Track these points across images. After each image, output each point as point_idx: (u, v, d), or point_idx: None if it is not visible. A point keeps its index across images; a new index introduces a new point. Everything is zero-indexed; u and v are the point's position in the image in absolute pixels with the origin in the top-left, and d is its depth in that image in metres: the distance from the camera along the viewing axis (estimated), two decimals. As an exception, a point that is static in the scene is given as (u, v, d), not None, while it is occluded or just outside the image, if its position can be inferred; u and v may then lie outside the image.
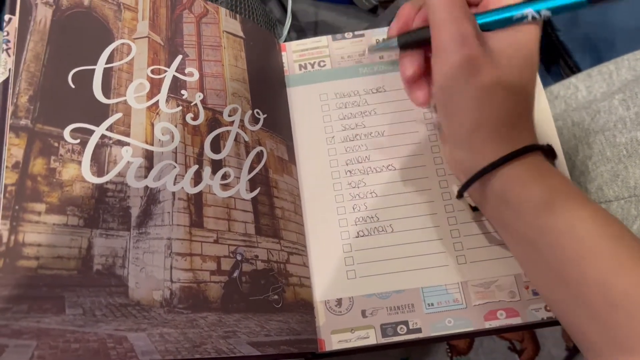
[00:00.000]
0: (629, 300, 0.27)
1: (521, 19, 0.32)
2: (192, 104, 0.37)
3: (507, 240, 0.34)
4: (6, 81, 0.32)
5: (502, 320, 0.36)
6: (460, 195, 0.35)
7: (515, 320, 0.36)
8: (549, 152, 0.33)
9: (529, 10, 0.32)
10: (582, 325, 0.29)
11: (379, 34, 0.45)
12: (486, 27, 0.33)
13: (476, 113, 0.32)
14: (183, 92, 0.37)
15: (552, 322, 0.36)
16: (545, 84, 0.47)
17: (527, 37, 0.33)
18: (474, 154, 0.33)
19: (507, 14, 0.33)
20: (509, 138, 0.32)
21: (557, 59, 0.58)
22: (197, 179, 0.35)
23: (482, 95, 0.32)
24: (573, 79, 0.47)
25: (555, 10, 0.32)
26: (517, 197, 0.31)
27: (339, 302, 0.37)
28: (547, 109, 0.41)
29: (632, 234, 0.29)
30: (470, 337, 0.44)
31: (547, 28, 0.57)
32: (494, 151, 0.32)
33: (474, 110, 0.32)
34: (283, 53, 0.44)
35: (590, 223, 0.29)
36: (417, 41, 0.36)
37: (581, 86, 0.46)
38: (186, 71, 0.38)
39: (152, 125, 0.35)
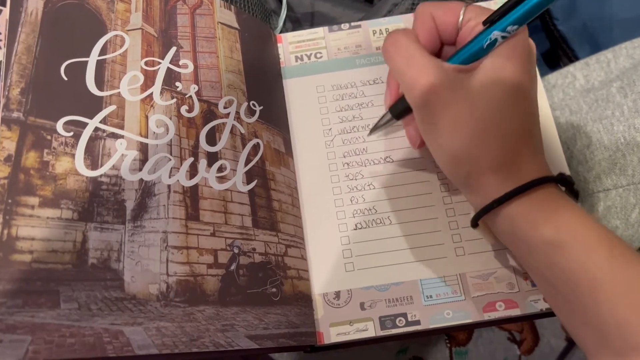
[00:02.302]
0: None
1: (494, 43, 0.31)
2: (186, 96, 0.37)
3: (524, 267, 0.33)
4: (-3, 74, 0.31)
5: (501, 312, 0.36)
6: (473, 225, 0.34)
7: (514, 312, 0.36)
8: (563, 181, 0.32)
9: (494, 34, 0.30)
10: (596, 352, 0.29)
11: (376, 24, 0.44)
12: (466, 64, 0.31)
13: (462, 154, 0.31)
14: (177, 84, 0.37)
15: (551, 313, 0.36)
16: (543, 73, 0.47)
17: (514, 60, 0.30)
18: (474, 195, 0.33)
19: (476, 46, 0.31)
20: (510, 174, 0.31)
21: (555, 48, 0.57)
22: (193, 171, 0.35)
23: (460, 133, 0.30)
24: (571, 68, 0.47)
25: (520, 21, 0.30)
26: (526, 236, 0.30)
27: (338, 294, 0.37)
28: (544, 98, 0.41)
29: None
30: (469, 328, 0.44)
31: (546, 17, 0.57)
32: (494, 190, 0.31)
33: (459, 151, 0.31)
34: (279, 44, 0.44)
35: (604, 266, 0.28)
36: (405, 107, 0.34)
37: (579, 75, 0.46)
38: (180, 63, 0.38)
39: (147, 117, 0.35)
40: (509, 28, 0.30)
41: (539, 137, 0.32)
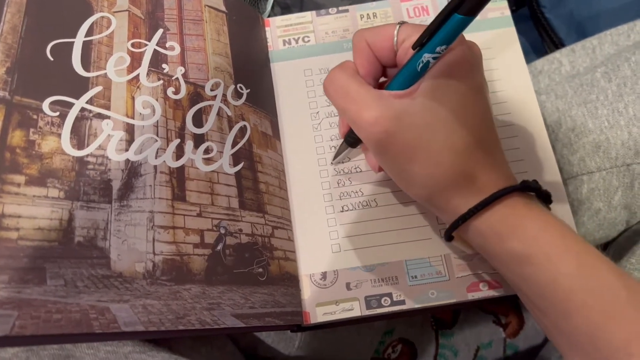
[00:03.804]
0: (624, 351, 0.26)
1: (427, 65, 0.30)
2: (173, 78, 0.37)
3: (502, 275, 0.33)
4: (-17, 53, 0.31)
5: (484, 292, 0.37)
6: (447, 240, 0.34)
7: (498, 292, 0.37)
8: (527, 188, 0.31)
9: (425, 56, 0.29)
10: (569, 353, 0.29)
11: (364, 9, 0.44)
12: (404, 88, 0.31)
13: (417, 178, 0.31)
14: (164, 66, 0.37)
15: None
16: (530, 60, 0.47)
17: (451, 75, 0.30)
18: (442, 213, 0.32)
19: (410, 71, 0.30)
20: (471, 189, 0.30)
21: (541, 35, 0.58)
22: (179, 152, 0.35)
23: (411, 160, 0.30)
24: (557, 54, 0.47)
25: (447, 41, 0.29)
26: (495, 250, 0.30)
27: (324, 275, 0.37)
28: (529, 84, 0.42)
29: (618, 281, 0.28)
30: (453, 308, 0.44)
31: (533, 5, 0.57)
32: (458, 207, 0.30)
33: (414, 176, 0.31)
34: (267, 28, 0.44)
35: (573, 277, 0.28)
36: (357, 137, 0.34)
37: (565, 61, 0.46)
38: (167, 45, 0.38)
39: (133, 98, 0.35)
40: (437, 49, 0.29)
41: (497, 146, 0.32)
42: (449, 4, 0.27)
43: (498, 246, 0.30)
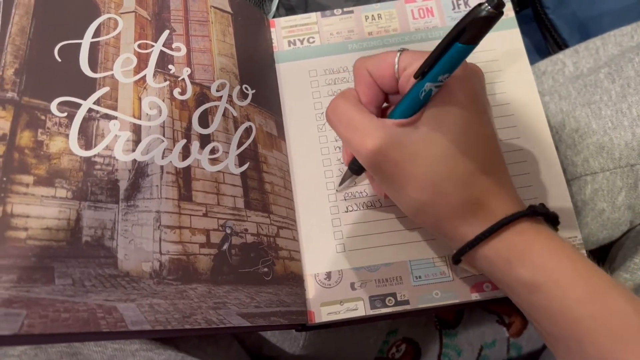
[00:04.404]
0: None
1: (429, 94, 0.30)
2: (179, 79, 0.37)
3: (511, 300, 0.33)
4: (-9, 54, 0.32)
5: (487, 292, 0.37)
6: (455, 263, 0.34)
7: (501, 292, 0.37)
8: (535, 213, 0.30)
9: (427, 85, 0.29)
10: None
11: (368, 10, 0.45)
12: (407, 116, 0.31)
13: (423, 206, 0.30)
14: (170, 67, 0.37)
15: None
16: (534, 61, 0.47)
17: (453, 103, 0.30)
18: (448, 239, 0.32)
19: (413, 99, 0.30)
20: (478, 216, 0.30)
21: (545, 36, 0.58)
22: (186, 153, 0.35)
23: (416, 189, 0.30)
24: (560, 55, 0.47)
25: (449, 70, 0.29)
26: (504, 277, 0.30)
27: (329, 275, 0.38)
28: (532, 85, 0.42)
29: (629, 306, 0.27)
30: (457, 308, 0.44)
31: (537, 6, 0.57)
32: (466, 233, 0.30)
33: (419, 204, 0.30)
34: (272, 29, 0.44)
35: (583, 304, 0.28)
36: (361, 165, 0.34)
37: (568, 62, 0.46)
38: (173, 46, 0.38)
39: (140, 99, 0.35)
40: (440, 78, 0.29)
41: (503, 170, 0.32)
42: (449, 33, 0.27)
43: (506, 273, 0.30)
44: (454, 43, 0.27)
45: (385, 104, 0.35)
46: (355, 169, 0.36)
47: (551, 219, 0.31)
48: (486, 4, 0.25)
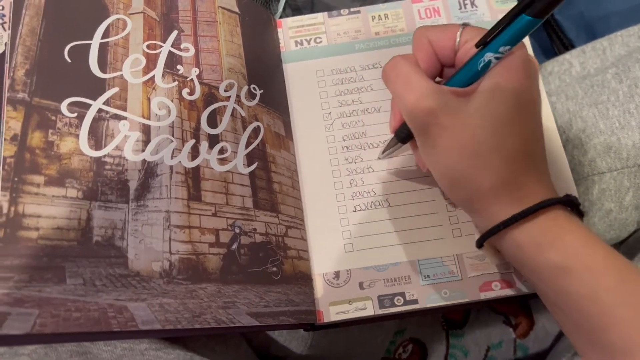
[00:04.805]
0: None
1: (488, 65, 0.30)
2: (188, 79, 0.37)
3: (533, 287, 0.33)
4: (2, 55, 0.32)
5: (496, 292, 0.37)
6: (478, 246, 0.34)
7: (510, 291, 0.37)
8: (568, 202, 0.31)
9: (487, 55, 0.30)
10: None
11: (375, 10, 0.45)
12: (463, 86, 0.31)
13: (463, 177, 0.31)
14: (179, 67, 0.37)
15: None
16: (540, 62, 0.47)
17: (510, 80, 0.30)
18: (478, 217, 0.32)
19: (471, 69, 0.31)
20: (514, 197, 0.30)
21: (551, 36, 0.58)
22: (195, 153, 0.35)
23: (460, 157, 0.30)
24: (567, 55, 0.47)
25: (512, 41, 0.29)
26: (533, 261, 0.30)
27: (337, 274, 0.38)
28: (540, 85, 0.42)
29: None
30: (464, 307, 0.44)
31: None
32: (498, 213, 0.30)
33: (460, 175, 0.31)
34: (279, 29, 0.44)
35: (614, 291, 0.27)
36: (409, 132, 0.34)
37: (575, 62, 0.46)
38: (182, 46, 0.38)
39: (149, 99, 0.35)
40: (501, 49, 0.29)
41: (543, 157, 0.32)
42: (518, 4, 0.28)
43: (536, 257, 0.30)
44: (521, 14, 0.28)
45: (438, 79, 0.35)
46: (402, 136, 0.36)
47: (580, 214, 0.32)
48: None
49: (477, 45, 0.30)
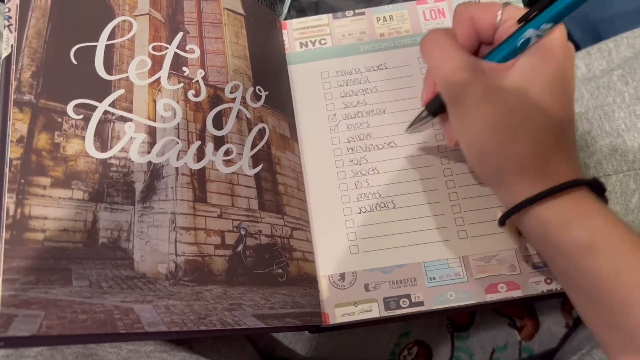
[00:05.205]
0: None
1: (528, 42, 0.30)
2: (193, 81, 0.37)
3: (551, 268, 0.33)
4: (9, 57, 0.32)
5: (502, 293, 0.37)
6: (501, 224, 0.34)
7: (516, 293, 0.37)
8: (594, 186, 0.31)
9: (528, 32, 0.30)
10: (622, 353, 0.29)
11: (380, 12, 0.45)
12: (501, 62, 0.32)
13: (492, 149, 0.31)
14: (184, 68, 0.37)
15: (552, 295, 0.37)
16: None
17: (549, 58, 0.30)
18: (504, 192, 0.32)
19: (511, 45, 0.31)
20: (542, 174, 0.30)
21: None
22: (200, 154, 0.35)
23: (492, 129, 0.31)
24: (573, 57, 0.47)
25: (556, 19, 0.30)
26: (557, 238, 0.30)
27: (342, 276, 0.38)
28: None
29: None
30: (469, 310, 0.44)
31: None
32: (525, 190, 0.31)
33: (490, 147, 0.31)
34: (284, 31, 0.44)
35: (638, 271, 0.28)
36: (441, 103, 0.34)
37: (580, 64, 0.46)
38: (187, 48, 0.38)
39: (154, 101, 0.35)
40: (542, 26, 0.29)
41: (573, 139, 0.32)
42: None
43: (561, 235, 0.30)
44: None
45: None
46: (433, 108, 0.36)
47: (604, 200, 0.32)
48: None
49: (519, 21, 0.31)
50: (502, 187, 0.32)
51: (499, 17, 0.32)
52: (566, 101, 0.31)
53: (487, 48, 0.34)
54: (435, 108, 0.35)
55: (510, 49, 0.31)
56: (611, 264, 0.28)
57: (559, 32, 0.31)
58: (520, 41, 0.30)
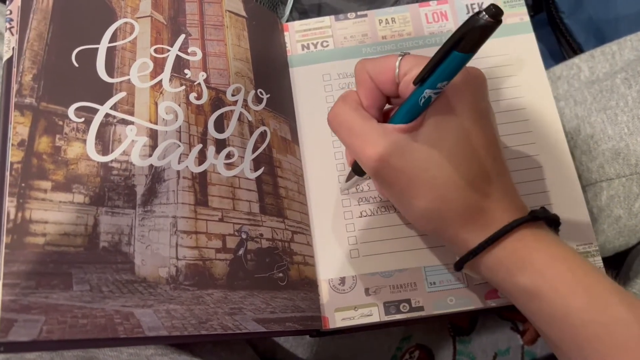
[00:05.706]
0: None
1: (429, 100, 0.29)
2: (195, 84, 0.37)
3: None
4: (10, 59, 0.32)
5: (502, 299, 0.37)
6: (457, 270, 0.33)
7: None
8: (536, 219, 0.30)
9: (427, 92, 0.29)
10: None
11: (382, 14, 0.45)
12: (407, 122, 0.30)
13: (422, 214, 0.31)
14: (186, 71, 0.37)
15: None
16: (549, 66, 0.47)
17: (454, 109, 0.30)
18: (451, 246, 0.32)
19: (413, 105, 0.30)
20: (479, 225, 0.30)
21: (559, 40, 0.57)
22: (202, 158, 0.35)
23: (415, 195, 0.30)
24: (576, 60, 0.47)
25: (447, 77, 0.28)
26: (504, 285, 0.30)
27: (343, 280, 0.37)
28: (548, 90, 0.42)
29: (630, 314, 0.27)
30: (471, 314, 0.44)
31: (552, 10, 0.57)
32: (467, 242, 0.30)
33: (419, 211, 0.31)
34: (286, 33, 0.44)
35: (582, 312, 0.28)
36: None
37: (584, 67, 0.46)
38: (189, 50, 0.38)
39: (156, 104, 0.35)
40: (438, 85, 0.29)
41: (504, 175, 0.31)
42: (447, 41, 0.27)
43: (507, 281, 0.30)
44: (452, 51, 0.27)
45: (388, 106, 0.35)
46: (358, 170, 0.36)
47: (552, 222, 0.31)
48: (484, 13, 0.25)
49: (414, 83, 0.30)
50: (447, 241, 0.32)
51: (397, 71, 0.31)
52: (483, 138, 0.30)
53: (398, 100, 0.33)
54: (361, 170, 0.35)
55: (412, 109, 0.30)
56: (557, 308, 0.28)
57: (462, 77, 0.30)
58: (422, 101, 0.29)
